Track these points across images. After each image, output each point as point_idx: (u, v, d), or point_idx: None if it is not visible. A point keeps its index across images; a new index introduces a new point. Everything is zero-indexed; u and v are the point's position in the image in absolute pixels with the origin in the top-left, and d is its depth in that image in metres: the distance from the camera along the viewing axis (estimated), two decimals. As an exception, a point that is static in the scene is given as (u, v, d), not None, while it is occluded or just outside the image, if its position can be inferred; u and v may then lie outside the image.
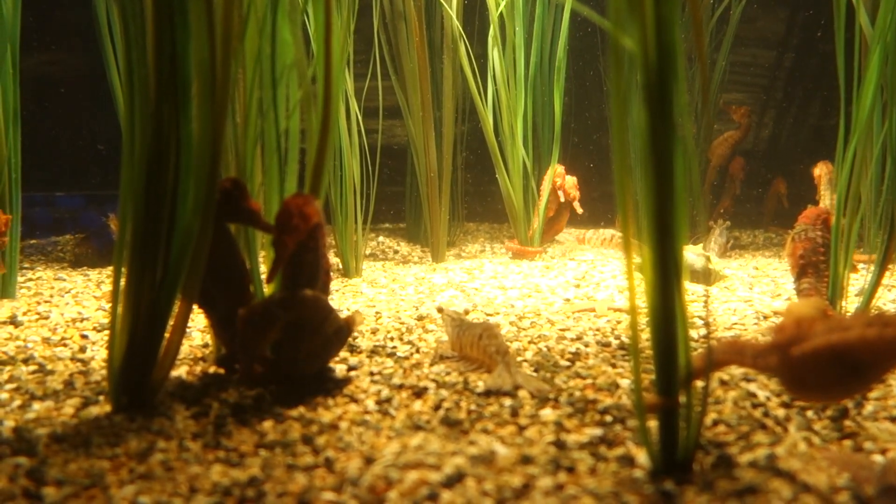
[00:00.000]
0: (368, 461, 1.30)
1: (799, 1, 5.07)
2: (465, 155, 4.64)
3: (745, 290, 3.03)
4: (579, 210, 3.96)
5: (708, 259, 3.22)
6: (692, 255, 3.23)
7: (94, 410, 1.57)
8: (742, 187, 4.74)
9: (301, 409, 1.56)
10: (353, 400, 1.62)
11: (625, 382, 1.71)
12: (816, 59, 5.06)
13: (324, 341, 1.69)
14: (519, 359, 1.94)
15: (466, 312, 2.57)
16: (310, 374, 1.73)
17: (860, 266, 2.92)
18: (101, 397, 1.65)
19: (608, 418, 1.50)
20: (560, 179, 3.97)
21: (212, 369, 1.85)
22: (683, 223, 1.23)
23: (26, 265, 3.69)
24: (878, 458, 1.31)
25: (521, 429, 1.45)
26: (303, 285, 1.65)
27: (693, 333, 2.22)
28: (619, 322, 2.40)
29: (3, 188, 2.85)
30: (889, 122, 2.20)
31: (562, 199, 4.00)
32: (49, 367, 1.89)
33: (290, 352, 1.68)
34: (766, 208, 4.91)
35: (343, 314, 1.79)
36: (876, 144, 2.41)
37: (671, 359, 1.25)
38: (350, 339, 2.14)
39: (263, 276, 1.93)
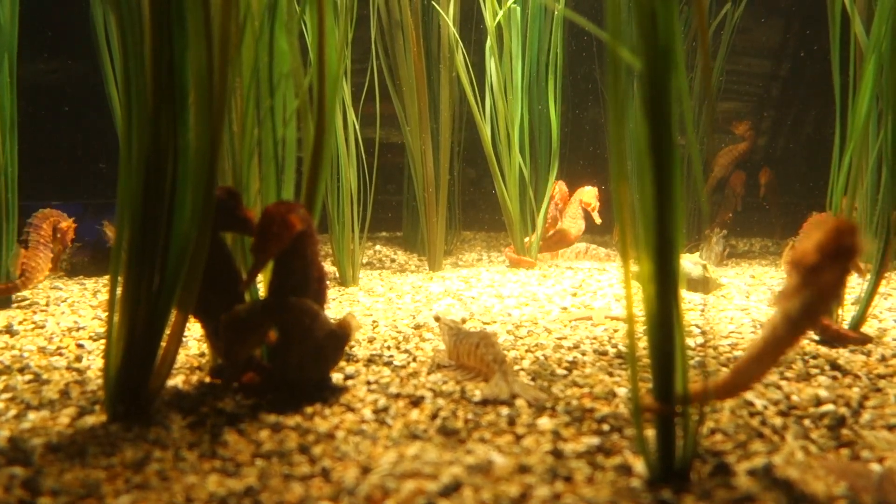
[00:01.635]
0: (365, 471, 1.30)
1: (795, 11, 5.10)
2: (462, 166, 4.65)
3: (741, 299, 3.03)
4: (598, 220, 3.96)
5: (705, 267, 3.22)
6: (689, 263, 3.23)
7: (90, 420, 1.57)
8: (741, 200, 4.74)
9: (297, 419, 1.56)
10: (350, 409, 1.62)
11: (622, 391, 1.71)
12: (812, 68, 5.08)
13: (315, 347, 1.67)
14: (516, 367, 1.93)
15: (463, 321, 2.57)
16: (308, 383, 1.73)
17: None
18: (97, 407, 1.65)
19: (605, 427, 1.50)
20: (561, 203, 4.00)
21: (208, 379, 1.85)
22: (681, 232, 1.23)
23: (22, 274, 3.68)
24: (875, 466, 1.31)
25: (519, 438, 1.45)
26: (290, 293, 1.65)
27: (690, 342, 2.22)
28: (616, 331, 2.40)
29: (0, 197, 2.85)
30: (884, 131, 2.21)
31: (557, 223, 4.02)
32: (45, 376, 1.89)
33: (280, 359, 1.67)
34: (772, 213, 4.89)
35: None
36: (872, 153, 2.42)
37: (668, 367, 1.25)
38: (347, 348, 2.14)
39: (260, 285, 1.93)
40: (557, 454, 1.36)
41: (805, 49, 5.10)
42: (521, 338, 2.31)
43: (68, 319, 2.61)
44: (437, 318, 2.13)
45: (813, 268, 1.13)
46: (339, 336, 1.74)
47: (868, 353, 2.08)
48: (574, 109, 5.15)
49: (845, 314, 2.34)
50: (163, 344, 1.61)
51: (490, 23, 3.83)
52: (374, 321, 2.57)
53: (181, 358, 2.02)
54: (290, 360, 1.67)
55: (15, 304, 2.93)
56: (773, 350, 1.24)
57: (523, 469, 1.29)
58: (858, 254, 1.12)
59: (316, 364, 1.71)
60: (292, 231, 1.60)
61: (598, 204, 3.97)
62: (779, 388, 1.74)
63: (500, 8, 3.80)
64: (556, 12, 3.87)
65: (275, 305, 1.63)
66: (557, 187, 4.03)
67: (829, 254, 1.11)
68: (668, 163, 1.19)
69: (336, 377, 1.84)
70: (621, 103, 1.18)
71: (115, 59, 3.04)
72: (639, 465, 1.30)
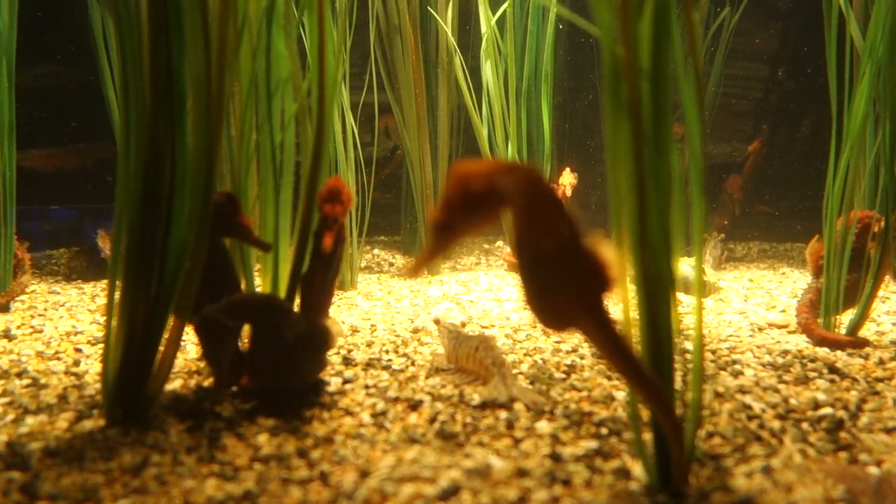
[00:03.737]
0: (364, 475, 1.30)
1: (792, 14, 5.11)
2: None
3: (740, 302, 3.03)
4: (568, 192, 3.97)
5: (703, 271, 3.22)
6: (687, 267, 3.24)
7: (88, 424, 1.57)
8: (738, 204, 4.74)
9: (296, 423, 1.56)
10: (349, 413, 1.62)
11: (620, 395, 1.71)
12: (809, 72, 5.09)
13: (286, 349, 1.59)
14: (514, 371, 1.93)
15: (464, 325, 2.57)
16: (284, 389, 1.68)
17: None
18: (96, 411, 1.64)
19: (604, 431, 1.50)
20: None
21: (206, 382, 1.85)
22: (677, 235, 1.24)
23: (21, 278, 3.68)
24: (873, 469, 1.31)
25: (517, 441, 1.45)
26: (326, 278, 1.66)
27: (688, 345, 2.22)
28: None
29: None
30: (882, 134, 2.22)
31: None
32: (43, 380, 1.89)
33: (250, 362, 1.64)
34: (723, 210, 4.81)
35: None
36: (869, 156, 2.42)
37: (664, 370, 1.25)
38: (346, 353, 2.14)
39: (259, 289, 1.93)
40: (556, 458, 1.36)
41: (802, 52, 5.11)
42: (519, 342, 2.31)
43: (66, 324, 2.61)
44: (437, 321, 2.13)
45: (443, 224, 0.96)
46: (317, 338, 1.66)
47: (866, 357, 2.08)
48: (573, 112, 5.15)
49: (843, 317, 2.34)
50: (161, 348, 1.61)
51: (489, 20, 3.83)
52: (372, 325, 2.57)
53: (179, 362, 2.02)
54: (261, 363, 1.61)
55: (14, 309, 2.93)
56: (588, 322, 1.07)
57: (522, 473, 1.29)
58: (505, 199, 0.95)
59: (290, 368, 1.63)
60: (349, 206, 1.62)
61: (574, 181, 3.98)
62: (777, 391, 1.74)
63: (494, 14, 3.80)
64: (552, 14, 3.87)
65: (234, 304, 1.59)
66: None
67: (456, 205, 0.96)
68: (666, 163, 1.19)
69: (335, 381, 1.84)
70: (618, 106, 1.19)
71: (114, 63, 3.05)
72: (637, 469, 1.31)
